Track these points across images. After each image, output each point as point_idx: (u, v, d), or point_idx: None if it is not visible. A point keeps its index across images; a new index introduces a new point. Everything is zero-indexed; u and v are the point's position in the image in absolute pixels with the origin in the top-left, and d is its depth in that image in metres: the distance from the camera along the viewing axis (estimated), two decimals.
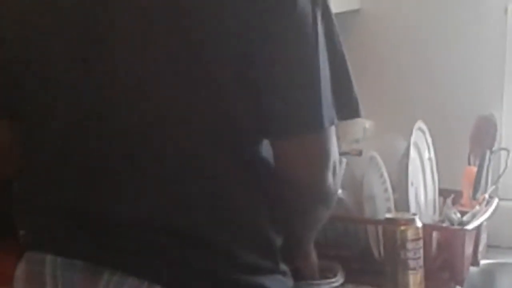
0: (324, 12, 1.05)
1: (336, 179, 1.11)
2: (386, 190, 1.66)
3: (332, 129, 1.08)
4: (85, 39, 1.07)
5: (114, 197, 1.08)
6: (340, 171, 1.14)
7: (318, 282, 1.44)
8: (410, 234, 1.40)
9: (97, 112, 1.08)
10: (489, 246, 1.75)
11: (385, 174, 1.65)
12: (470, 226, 1.54)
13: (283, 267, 1.14)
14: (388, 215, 1.47)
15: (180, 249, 1.06)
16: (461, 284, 1.55)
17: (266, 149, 1.10)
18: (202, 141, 1.05)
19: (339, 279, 1.46)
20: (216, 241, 1.07)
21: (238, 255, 1.07)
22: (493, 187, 1.74)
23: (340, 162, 1.15)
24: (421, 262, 1.42)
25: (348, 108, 1.09)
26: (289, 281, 1.16)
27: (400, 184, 1.61)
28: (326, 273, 1.48)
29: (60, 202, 1.11)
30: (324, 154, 1.08)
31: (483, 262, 1.71)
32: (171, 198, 1.06)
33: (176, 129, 1.05)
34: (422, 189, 1.68)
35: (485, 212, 1.62)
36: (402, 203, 1.61)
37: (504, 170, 1.75)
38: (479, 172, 1.67)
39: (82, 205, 1.10)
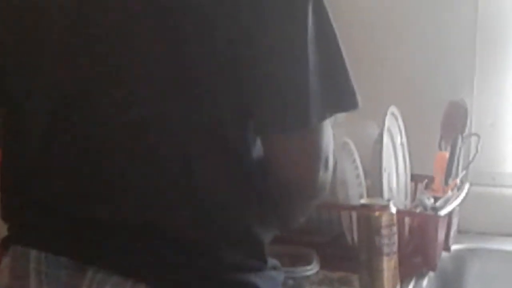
0: (316, 4, 1.01)
1: (328, 173, 1.08)
2: (358, 176, 1.66)
3: (324, 125, 1.04)
4: (74, 24, 1.05)
5: (98, 196, 1.06)
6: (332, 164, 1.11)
7: (294, 269, 1.43)
8: (384, 220, 1.40)
9: (79, 105, 1.05)
10: (459, 232, 1.77)
11: (358, 160, 1.65)
12: (443, 212, 1.54)
13: (273, 262, 1.12)
14: (362, 201, 1.47)
15: (164, 249, 1.03)
16: (433, 269, 1.56)
17: (256, 146, 1.06)
18: (187, 139, 1.03)
19: (314, 267, 1.45)
20: (202, 241, 1.04)
21: (224, 254, 1.05)
22: (464, 172, 1.75)
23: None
24: (395, 247, 1.41)
25: (345, 100, 1.04)
26: (280, 275, 1.14)
27: (373, 170, 1.60)
28: (301, 261, 1.47)
29: (44, 198, 1.09)
30: (314, 152, 1.05)
31: (454, 247, 1.73)
32: (155, 198, 1.04)
33: (161, 128, 1.03)
34: (394, 174, 1.69)
35: (457, 197, 1.63)
36: (374, 189, 1.61)
37: (474, 156, 1.76)
38: (451, 157, 1.67)
39: (66, 202, 1.07)
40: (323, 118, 1.03)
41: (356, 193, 1.63)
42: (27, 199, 1.11)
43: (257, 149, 1.07)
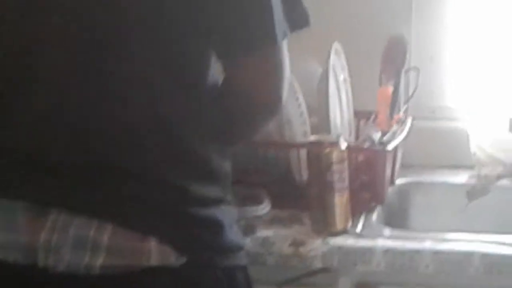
0: None
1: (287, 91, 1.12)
2: (302, 114, 1.64)
3: (285, 43, 1.07)
4: None
5: (55, 137, 1.02)
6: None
7: (245, 209, 1.42)
8: (335, 156, 1.40)
9: (40, 43, 1.02)
10: (402, 166, 1.78)
11: (301, 98, 1.64)
12: (390, 146, 1.55)
13: (229, 196, 1.12)
14: (312, 138, 1.46)
15: (128, 187, 1.02)
16: (381, 203, 1.57)
17: (212, 74, 1.08)
18: (149, 68, 1.01)
19: (265, 206, 1.44)
20: (164, 176, 1.03)
21: (186, 186, 1.04)
22: (405, 106, 1.76)
23: None
24: (346, 183, 1.42)
25: (300, 19, 1.09)
26: (234, 210, 1.15)
27: (319, 108, 1.59)
28: (251, 201, 1.46)
29: None
30: (279, 70, 1.07)
31: (398, 181, 1.74)
32: (116, 135, 1.02)
33: (120, 53, 1.01)
34: (338, 111, 1.68)
35: (401, 131, 1.64)
36: (318, 126, 1.60)
37: (415, 89, 1.77)
38: (396, 92, 1.67)
39: (22, 144, 1.03)
40: (285, 35, 1.06)
41: (300, 131, 1.62)
42: None
43: (213, 76, 1.08)
